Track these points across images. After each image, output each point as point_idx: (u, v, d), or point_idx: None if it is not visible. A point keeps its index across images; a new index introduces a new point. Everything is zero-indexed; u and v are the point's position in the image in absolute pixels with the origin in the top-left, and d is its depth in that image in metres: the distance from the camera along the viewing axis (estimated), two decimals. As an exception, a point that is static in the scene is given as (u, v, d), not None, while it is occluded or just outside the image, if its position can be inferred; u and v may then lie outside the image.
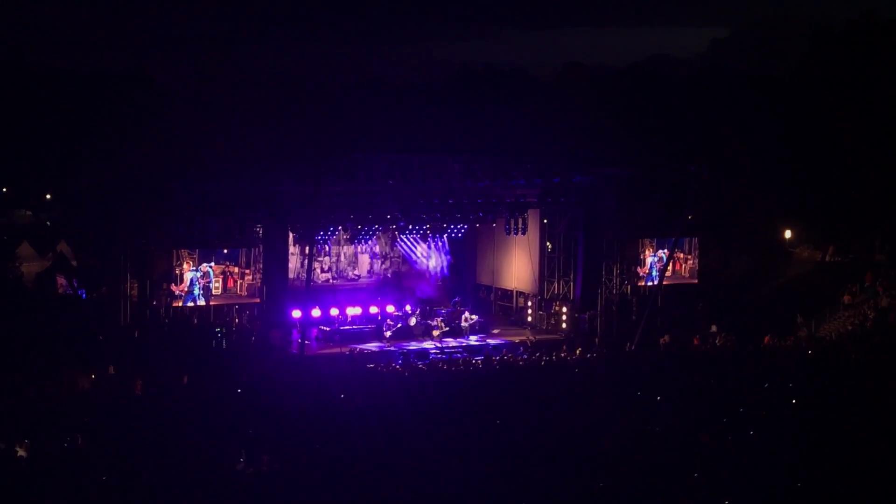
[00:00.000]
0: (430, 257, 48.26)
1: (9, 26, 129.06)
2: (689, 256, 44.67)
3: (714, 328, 41.83)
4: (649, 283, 43.57)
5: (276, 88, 43.58)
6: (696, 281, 44.91)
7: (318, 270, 45.77)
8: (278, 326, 39.73)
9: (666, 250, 43.61)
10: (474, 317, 43.77)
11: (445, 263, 48.45)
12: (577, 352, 39.57)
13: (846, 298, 43.31)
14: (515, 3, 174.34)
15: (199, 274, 37.31)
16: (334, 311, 42.50)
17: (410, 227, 43.96)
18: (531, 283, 46.03)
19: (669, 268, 43.59)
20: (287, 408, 27.82)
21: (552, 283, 45.49)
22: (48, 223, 60.38)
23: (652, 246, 43.69)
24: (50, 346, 34.45)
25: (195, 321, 38.24)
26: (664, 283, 43.40)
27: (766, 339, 39.57)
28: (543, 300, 45.56)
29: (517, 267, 47.14)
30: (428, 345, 41.42)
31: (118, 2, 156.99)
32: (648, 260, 43.76)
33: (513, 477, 21.53)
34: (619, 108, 54.29)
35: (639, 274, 43.54)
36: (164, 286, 37.06)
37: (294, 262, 43.91)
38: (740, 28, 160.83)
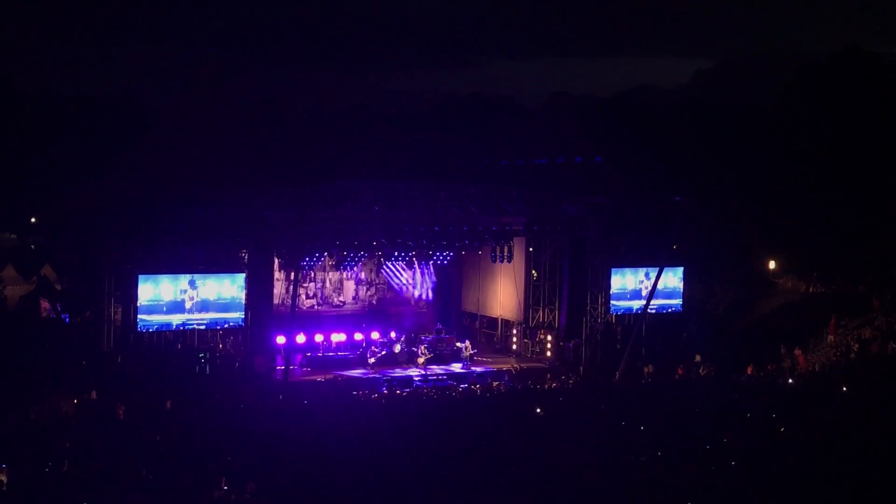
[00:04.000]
0: (415, 284, 48.28)
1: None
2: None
3: (698, 358, 41.89)
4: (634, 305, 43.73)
5: (262, 114, 43.63)
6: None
7: (303, 296, 45.73)
8: (262, 352, 39.59)
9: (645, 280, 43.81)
10: (471, 347, 43.60)
11: (431, 290, 48.48)
12: (562, 380, 39.58)
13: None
14: (502, 33, 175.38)
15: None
16: (319, 338, 42.47)
17: (396, 253, 44.02)
18: (516, 310, 46.07)
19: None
20: (271, 434, 27.74)
21: (537, 311, 45.54)
22: (32, 247, 60.14)
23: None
24: (32, 371, 34.22)
25: (179, 346, 38.14)
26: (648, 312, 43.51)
27: (749, 369, 39.64)
28: (528, 328, 45.58)
29: (502, 295, 47.18)
30: (412, 372, 41.40)
31: (105, 25, 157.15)
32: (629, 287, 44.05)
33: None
34: (604, 138, 54.45)
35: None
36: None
37: (279, 288, 43.86)
38: (725, 60, 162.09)
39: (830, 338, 42.99)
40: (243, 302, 38.74)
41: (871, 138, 53.09)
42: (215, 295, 38.33)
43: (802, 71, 60.41)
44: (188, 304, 37.81)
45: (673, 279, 44.96)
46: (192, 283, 37.93)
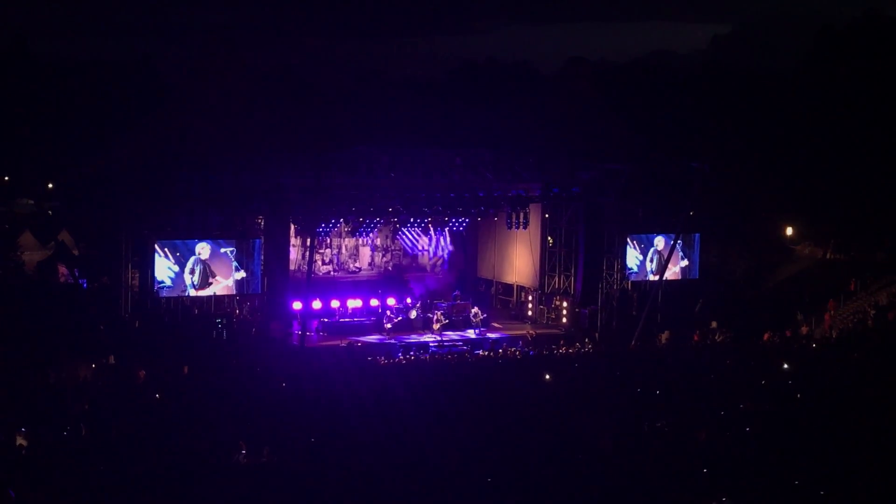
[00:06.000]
0: (431, 251, 48.27)
1: (11, 14, 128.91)
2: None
3: (714, 325, 41.83)
4: (650, 278, 43.65)
5: (279, 80, 43.58)
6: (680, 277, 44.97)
7: (320, 263, 45.75)
8: (279, 318, 39.73)
9: (658, 247, 43.71)
10: (481, 313, 43.67)
11: (446, 257, 48.48)
12: (577, 347, 39.62)
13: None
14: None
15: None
16: (335, 304, 42.51)
17: (412, 220, 43.99)
18: (532, 277, 46.02)
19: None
20: (287, 400, 27.90)
21: (553, 277, 45.49)
22: (50, 212, 60.32)
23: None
24: (51, 336, 34.47)
25: (196, 312, 38.31)
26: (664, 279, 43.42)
27: (766, 335, 39.59)
28: (544, 294, 45.53)
29: (518, 261, 47.12)
30: (428, 338, 41.46)
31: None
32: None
33: (512, 471, 21.59)
34: (621, 104, 54.23)
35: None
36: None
37: (295, 254, 43.92)
38: (742, 24, 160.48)
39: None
40: (260, 268, 38.85)
41: (890, 103, 52.72)
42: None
43: (821, 35, 59.90)
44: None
45: (689, 245, 44.82)
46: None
